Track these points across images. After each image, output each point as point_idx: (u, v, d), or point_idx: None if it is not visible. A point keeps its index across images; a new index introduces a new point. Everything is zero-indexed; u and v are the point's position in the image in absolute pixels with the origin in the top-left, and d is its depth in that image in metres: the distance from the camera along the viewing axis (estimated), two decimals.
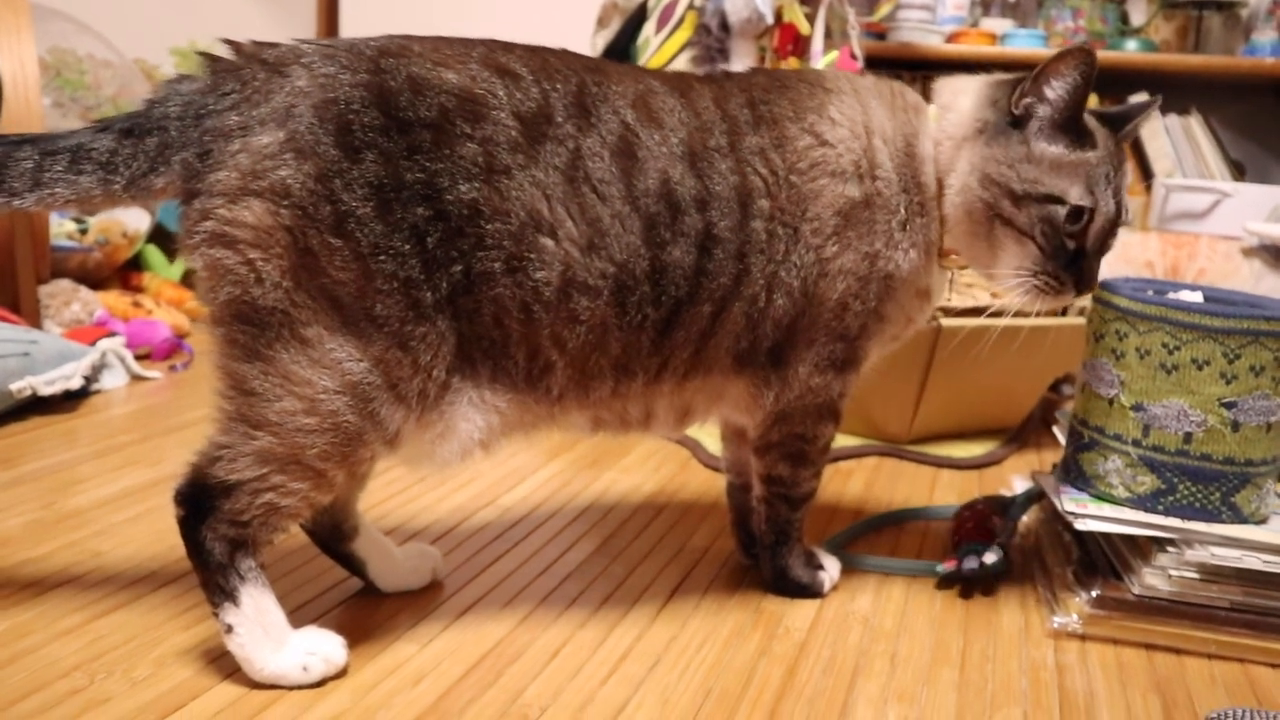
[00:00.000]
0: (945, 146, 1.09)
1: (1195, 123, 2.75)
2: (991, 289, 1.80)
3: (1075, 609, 1.12)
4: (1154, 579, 1.10)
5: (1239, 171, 2.81)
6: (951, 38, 2.75)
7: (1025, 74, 1.07)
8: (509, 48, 0.98)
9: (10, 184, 0.90)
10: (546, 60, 0.99)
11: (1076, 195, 1.04)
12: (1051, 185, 1.04)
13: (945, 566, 1.21)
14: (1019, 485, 1.44)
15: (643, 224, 0.98)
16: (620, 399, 1.05)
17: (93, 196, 0.91)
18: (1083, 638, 1.11)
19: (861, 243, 1.06)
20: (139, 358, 1.95)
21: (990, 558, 1.19)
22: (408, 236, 0.89)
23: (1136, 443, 1.14)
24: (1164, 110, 2.75)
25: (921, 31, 2.72)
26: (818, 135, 1.06)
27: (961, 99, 1.10)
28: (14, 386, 1.60)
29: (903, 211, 1.08)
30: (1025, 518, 1.35)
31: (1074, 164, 1.04)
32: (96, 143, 0.91)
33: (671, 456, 1.63)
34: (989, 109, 1.07)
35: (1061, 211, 1.04)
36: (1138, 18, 2.82)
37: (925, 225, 1.10)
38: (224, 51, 0.93)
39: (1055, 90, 1.04)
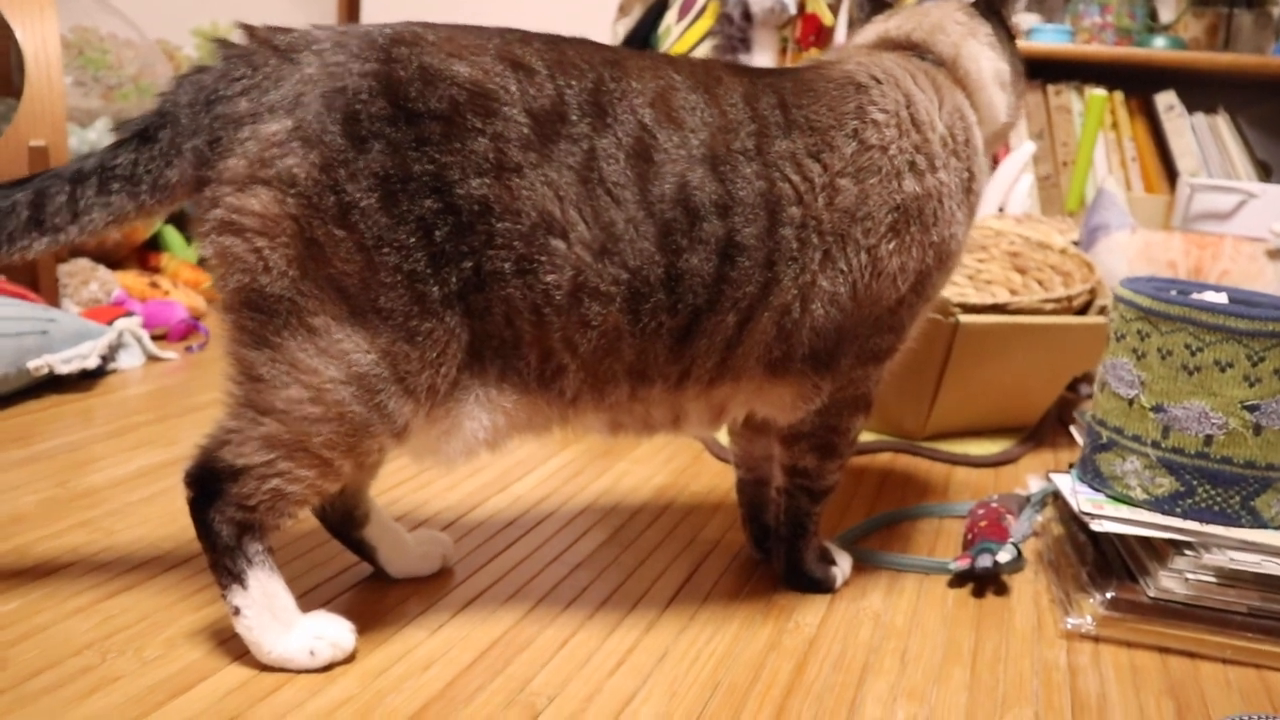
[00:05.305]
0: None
1: (1222, 122, 2.72)
2: None
3: (1089, 610, 1.11)
4: (1170, 582, 1.09)
5: (1265, 172, 2.78)
6: None
7: None
8: (528, 39, 0.95)
9: (52, 221, 0.91)
10: (564, 53, 0.95)
11: None
12: None
13: (958, 564, 1.20)
14: (1034, 484, 1.43)
15: (658, 230, 0.94)
16: (641, 403, 1.02)
17: (126, 213, 0.92)
18: (1096, 639, 1.10)
19: (925, 235, 1.06)
20: (155, 338, 1.96)
21: (1004, 556, 1.18)
22: (414, 229, 0.87)
23: (1156, 444, 1.12)
24: (1190, 109, 2.72)
25: None
26: (863, 141, 1.03)
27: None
28: (31, 365, 1.60)
29: (959, 191, 1.09)
30: (1040, 517, 1.34)
31: None
32: (118, 158, 0.91)
33: (684, 448, 1.63)
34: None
35: None
36: (1167, 14, 2.79)
37: (974, 186, 1.12)
38: (239, 37, 0.92)
39: None
